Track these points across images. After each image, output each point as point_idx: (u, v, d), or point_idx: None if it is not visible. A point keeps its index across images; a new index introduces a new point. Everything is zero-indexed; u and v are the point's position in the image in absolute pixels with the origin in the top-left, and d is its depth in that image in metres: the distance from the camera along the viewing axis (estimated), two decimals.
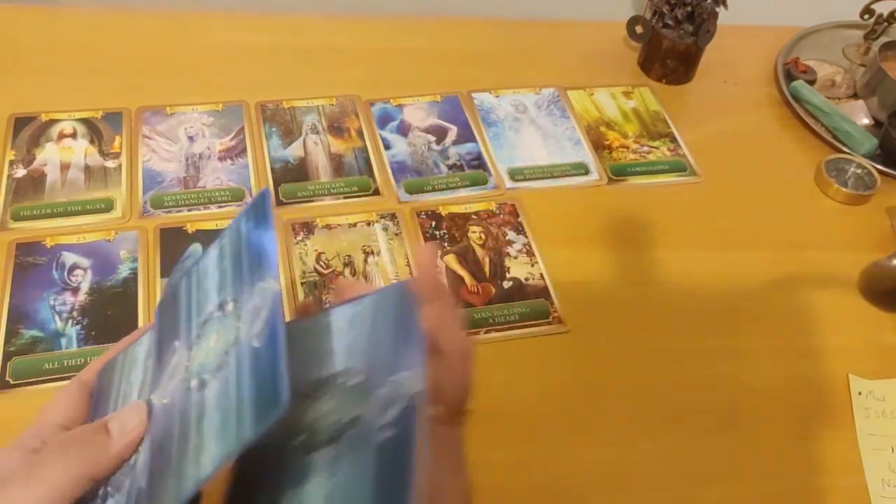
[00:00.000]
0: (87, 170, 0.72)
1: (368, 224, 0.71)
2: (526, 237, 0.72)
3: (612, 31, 0.94)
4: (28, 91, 0.78)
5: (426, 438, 0.30)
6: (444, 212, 0.73)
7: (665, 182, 0.79)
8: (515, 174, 0.77)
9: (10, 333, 0.60)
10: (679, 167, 0.81)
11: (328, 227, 0.70)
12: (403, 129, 0.80)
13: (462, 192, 0.75)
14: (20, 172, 0.71)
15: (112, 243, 0.66)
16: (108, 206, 0.69)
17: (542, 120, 0.84)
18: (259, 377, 0.31)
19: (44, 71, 0.81)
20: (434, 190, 0.75)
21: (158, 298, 0.63)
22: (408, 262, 0.68)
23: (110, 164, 0.73)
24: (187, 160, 0.74)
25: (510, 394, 0.61)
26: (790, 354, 0.67)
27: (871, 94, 0.89)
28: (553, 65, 0.91)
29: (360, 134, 0.79)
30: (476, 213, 0.73)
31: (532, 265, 0.70)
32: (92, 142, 0.74)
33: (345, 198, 0.73)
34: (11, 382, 0.57)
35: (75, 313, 0.61)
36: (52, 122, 0.76)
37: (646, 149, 0.82)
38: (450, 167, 0.77)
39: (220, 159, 0.75)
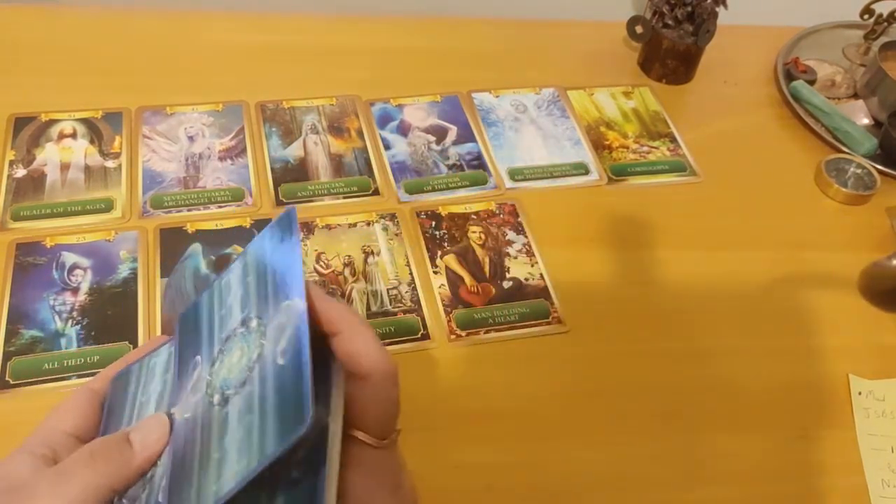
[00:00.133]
0: (87, 170, 0.72)
1: (368, 224, 0.71)
2: (526, 237, 0.72)
3: (612, 31, 0.94)
4: (28, 91, 0.78)
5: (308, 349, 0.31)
6: (443, 212, 0.73)
7: (665, 182, 0.79)
8: (515, 174, 0.77)
9: (10, 333, 0.60)
10: (679, 167, 0.81)
11: (328, 227, 0.70)
12: (403, 129, 0.80)
13: (462, 192, 0.75)
14: (20, 172, 0.71)
15: (112, 243, 0.66)
16: (108, 206, 0.69)
17: (542, 120, 0.84)
18: (283, 394, 0.31)
19: (44, 71, 0.81)
20: (434, 190, 0.75)
21: (160, 300, 0.63)
22: (407, 261, 0.68)
23: (110, 164, 0.73)
24: (187, 160, 0.74)
25: (510, 394, 0.61)
26: (790, 354, 0.67)
27: (871, 94, 0.89)
28: (553, 65, 0.91)
29: (360, 134, 0.79)
30: (476, 213, 0.73)
31: (532, 265, 0.70)
32: (92, 142, 0.74)
33: (345, 198, 0.73)
34: (11, 382, 0.57)
35: (75, 313, 0.61)
36: (52, 122, 0.76)
37: (646, 149, 0.82)
38: (450, 167, 0.77)
39: (220, 159, 0.75)
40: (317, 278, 0.66)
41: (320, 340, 0.34)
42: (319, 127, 0.79)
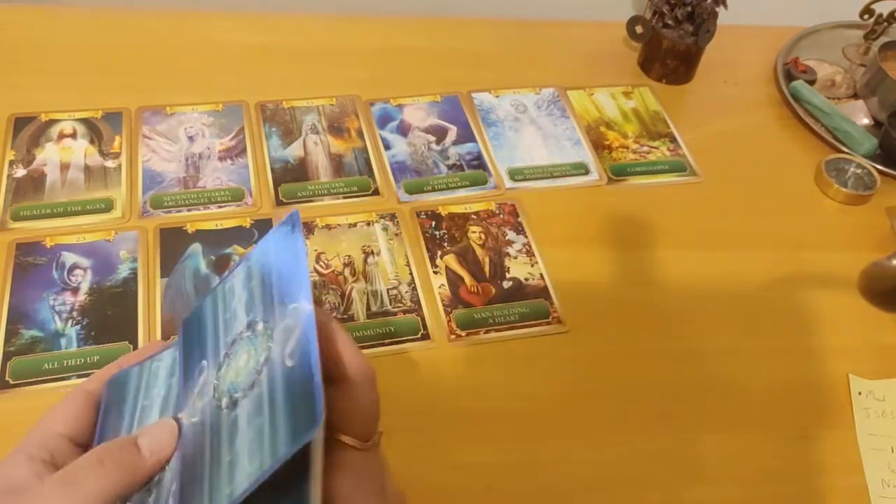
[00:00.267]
0: (87, 170, 0.72)
1: (368, 224, 0.71)
2: (526, 237, 0.72)
3: (612, 31, 0.94)
4: (28, 91, 0.78)
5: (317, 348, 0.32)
6: (443, 212, 0.73)
7: (665, 182, 0.80)
8: (515, 174, 0.77)
9: (10, 333, 0.60)
10: (679, 167, 0.81)
11: (328, 227, 0.70)
12: (403, 129, 0.80)
13: (462, 192, 0.75)
14: (20, 172, 0.71)
15: (112, 243, 0.66)
16: (107, 206, 0.69)
17: (542, 120, 0.84)
18: (293, 395, 0.32)
19: (44, 71, 0.81)
20: (434, 190, 0.75)
21: (160, 300, 0.63)
22: (407, 261, 0.68)
23: (110, 164, 0.73)
24: (187, 160, 0.74)
25: (510, 394, 0.61)
26: (790, 354, 0.67)
27: (871, 94, 0.89)
28: (553, 65, 0.91)
29: (360, 134, 0.79)
30: (476, 213, 0.73)
31: (532, 265, 0.70)
32: (92, 142, 0.74)
33: (345, 198, 0.73)
34: (11, 382, 0.57)
35: (75, 313, 0.61)
36: (52, 122, 0.76)
37: (646, 149, 0.82)
38: (450, 167, 0.77)
39: (220, 159, 0.75)
40: (317, 278, 0.66)
41: None
42: (319, 127, 0.79)
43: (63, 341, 0.60)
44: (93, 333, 0.60)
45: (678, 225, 0.75)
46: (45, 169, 0.72)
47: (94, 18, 0.87)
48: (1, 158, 0.72)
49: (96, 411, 0.39)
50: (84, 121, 0.76)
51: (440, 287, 0.67)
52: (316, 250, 0.68)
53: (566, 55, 0.93)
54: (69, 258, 0.65)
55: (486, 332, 0.64)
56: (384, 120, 0.81)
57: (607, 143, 0.82)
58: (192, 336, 0.39)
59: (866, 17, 0.98)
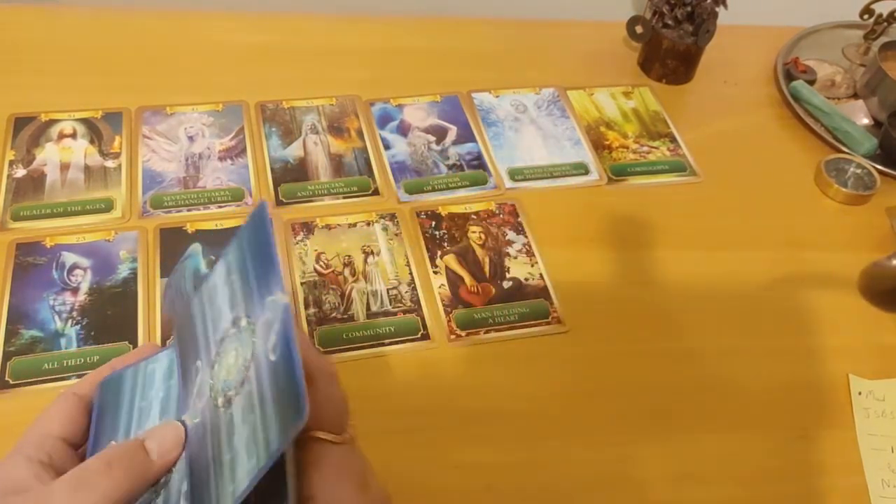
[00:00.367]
0: (87, 170, 0.72)
1: (368, 224, 0.71)
2: (526, 237, 0.72)
3: (612, 31, 0.94)
4: (28, 91, 0.78)
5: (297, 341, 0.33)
6: (443, 212, 0.73)
7: (665, 182, 0.79)
8: (515, 174, 0.77)
9: (10, 333, 0.60)
10: (679, 167, 0.81)
11: (328, 227, 0.70)
12: (403, 129, 0.80)
13: (462, 192, 0.75)
14: (20, 172, 0.71)
15: (112, 243, 0.66)
16: (107, 206, 0.69)
17: (542, 120, 0.84)
18: (279, 389, 0.32)
19: (44, 71, 0.81)
20: (434, 190, 0.75)
21: (160, 300, 0.63)
22: (407, 261, 0.68)
23: (110, 164, 0.73)
24: (187, 160, 0.74)
25: (510, 394, 0.61)
26: (790, 354, 0.67)
27: (871, 94, 0.89)
28: (553, 65, 0.91)
29: (360, 134, 0.79)
30: (476, 213, 0.73)
31: (532, 265, 0.70)
32: (92, 142, 0.74)
33: (345, 198, 0.73)
34: (11, 382, 0.57)
35: (75, 313, 0.61)
36: (52, 122, 0.76)
37: (646, 149, 0.82)
38: (450, 167, 0.77)
39: (220, 159, 0.75)
40: (317, 278, 0.66)
41: None
42: (319, 127, 0.79)
43: (63, 341, 0.60)
44: (93, 333, 0.60)
45: (678, 225, 0.75)
46: (45, 169, 0.72)
47: (94, 18, 0.87)
48: (1, 158, 0.72)
49: (89, 413, 0.40)
50: (84, 121, 0.76)
51: (440, 287, 0.67)
52: (316, 250, 0.68)
53: (566, 55, 0.93)
54: (69, 258, 0.65)
55: (486, 332, 0.64)
56: (384, 120, 0.81)
57: (607, 143, 0.82)
58: (185, 338, 0.39)
59: (866, 17, 0.98)
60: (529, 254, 0.70)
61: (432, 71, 0.87)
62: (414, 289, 0.66)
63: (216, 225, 0.69)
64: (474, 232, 0.71)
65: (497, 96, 0.85)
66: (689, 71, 0.91)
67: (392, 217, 0.71)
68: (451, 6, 0.96)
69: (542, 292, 0.68)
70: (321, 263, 0.67)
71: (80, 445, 0.39)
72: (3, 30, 0.84)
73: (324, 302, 0.64)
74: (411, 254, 0.69)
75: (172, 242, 0.67)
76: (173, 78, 0.82)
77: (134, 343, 0.60)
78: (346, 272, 0.67)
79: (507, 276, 0.69)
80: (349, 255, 0.68)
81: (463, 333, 0.64)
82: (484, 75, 0.87)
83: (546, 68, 0.90)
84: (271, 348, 0.33)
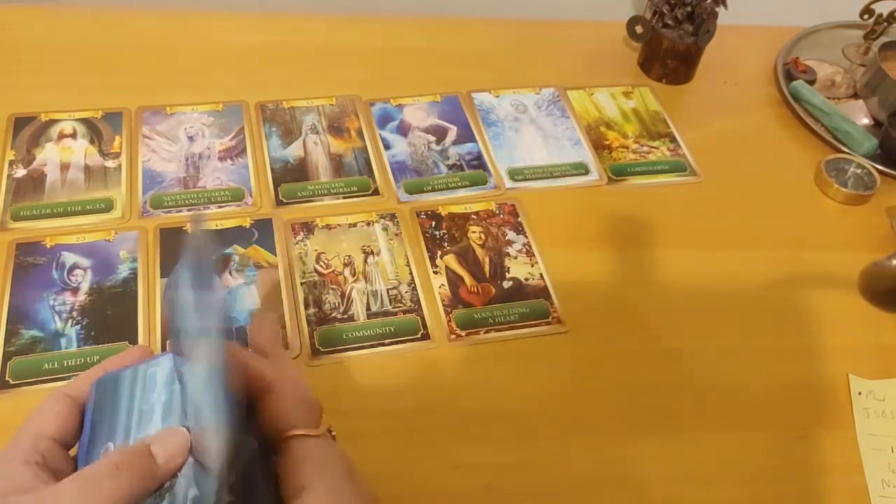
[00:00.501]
0: (87, 170, 0.72)
1: (368, 224, 0.71)
2: (526, 237, 0.72)
3: (612, 31, 0.94)
4: (28, 91, 0.78)
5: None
6: (443, 212, 0.73)
7: (665, 182, 0.80)
8: (515, 174, 0.77)
9: (10, 333, 0.60)
10: (679, 167, 0.81)
11: (328, 227, 0.70)
12: (403, 129, 0.80)
13: (462, 192, 0.75)
14: (20, 172, 0.71)
15: (112, 243, 0.66)
16: (107, 206, 0.69)
17: (542, 120, 0.84)
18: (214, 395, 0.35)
19: (44, 71, 0.81)
20: (434, 190, 0.75)
21: (160, 300, 0.63)
22: (407, 261, 0.68)
23: (110, 164, 0.73)
24: (187, 160, 0.74)
25: (510, 394, 0.61)
26: (790, 354, 0.67)
27: (871, 94, 0.89)
28: (553, 65, 0.91)
29: (360, 134, 0.79)
30: (476, 213, 0.73)
31: (532, 265, 0.70)
32: (92, 142, 0.74)
33: (345, 198, 0.73)
34: (11, 382, 0.57)
35: (75, 313, 0.61)
36: (52, 122, 0.76)
37: (646, 149, 0.82)
38: (450, 167, 0.77)
39: (220, 159, 0.75)
40: (317, 278, 0.66)
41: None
42: (319, 127, 0.79)
43: (63, 341, 0.60)
44: (93, 333, 0.60)
45: (678, 225, 0.75)
46: (45, 169, 0.72)
47: (94, 18, 0.87)
48: (1, 158, 0.72)
49: (80, 414, 0.40)
50: (84, 121, 0.76)
51: (440, 287, 0.67)
52: (316, 250, 0.68)
53: (566, 55, 0.93)
54: (69, 258, 0.65)
55: (486, 332, 0.64)
56: (384, 120, 0.81)
57: (607, 143, 0.82)
58: (103, 406, 0.40)
59: (866, 17, 0.98)
60: (529, 254, 0.70)
61: (432, 71, 0.87)
62: (414, 289, 0.66)
63: (216, 225, 0.69)
64: (474, 232, 0.71)
65: (497, 96, 0.85)
66: (689, 71, 0.91)
67: (392, 217, 0.71)
68: (451, 6, 0.96)
69: (542, 292, 0.68)
70: (321, 263, 0.67)
71: (72, 445, 0.39)
72: (3, 30, 0.84)
73: (324, 302, 0.64)
74: (411, 254, 0.69)
75: (172, 242, 0.67)
76: (173, 78, 0.82)
77: (134, 343, 0.60)
78: (347, 272, 0.67)
79: (507, 276, 0.69)
80: (349, 255, 0.68)
81: (463, 333, 0.64)
82: (484, 75, 0.87)
83: (546, 68, 0.90)
84: (191, 499, 0.35)
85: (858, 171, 0.81)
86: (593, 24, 0.97)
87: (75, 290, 0.63)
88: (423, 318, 0.64)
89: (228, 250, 0.67)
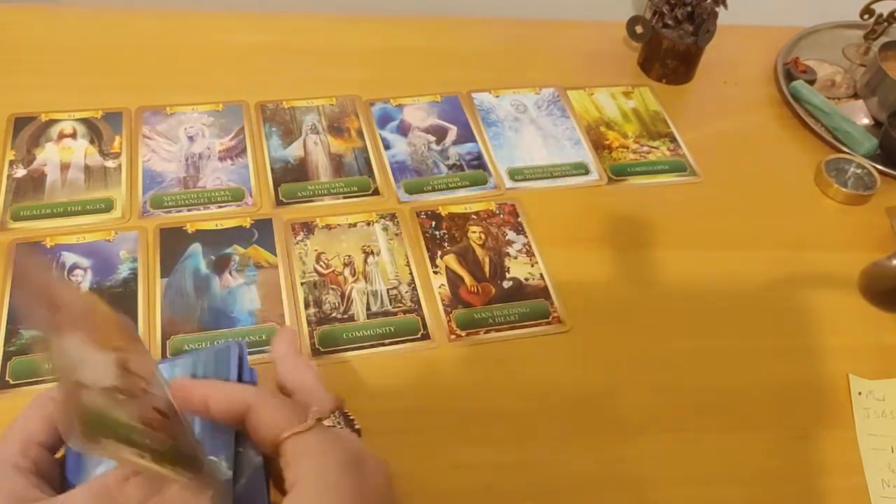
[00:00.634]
0: (87, 170, 0.72)
1: (368, 224, 0.71)
2: (526, 237, 0.72)
3: (612, 31, 0.94)
4: (28, 91, 0.78)
5: None
6: (443, 212, 0.73)
7: (665, 182, 0.79)
8: (515, 174, 0.77)
9: (10, 333, 0.60)
10: (679, 167, 0.81)
11: (328, 227, 0.70)
12: (403, 129, 0.80)
13: (462, 192, 0.75)
14: (20, 172, 0.71)
15: (112, 243, 0.66)
16: (108, 206, 0.69)
17: (542, 120, 0.84)
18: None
19: (44, 71, 0.81)
20: (434, 190, 0.75)
21: (160, 300, 0.63)
22: (407, 261, 0.68)
23: (110, 164, 0.73)
24: (187, 160, 0.74)
25: (510, 394, 0.61)
26: (790, 354, 0.67)
27: (871, 94, 0.89)
28: (553, 65, 0.91)
29: (360, 134, 0.79)
30: (476, 213, 0.73)
31: (532, 265, 0.70)
32: (92, 142, 0.74)
33: (345, 198, 0.73)
34: (11, 382, 0.57)
35: None
36: (52, 122, 0.76)
37: (646, 149, 0.82)
38: (450, 167, 0.77)
39: (220, 159, 0.75)
40: (317, 278, 0.66)
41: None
42: (319, 127, 0.79)
43: None
44: None
45: (678, 225, 0.75)
46: (45, 169, 0.72)
47: (94, 18, 0.87)
48: (1, 158, 0.72)
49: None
50: (84, 121, 0.76)
51: (440, 287, 0.67)
52: (316, 250, 0.68)
53: (566, 55, 0.93)
54: (69, 258, 0.65)
55: (486, 332, 0.64)
56: (384, 120, 0.81)
57: (607, 143, 0.82)
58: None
59: (866, 17, 0.97)
60: (529, 254, 0.70)
61: (432, 71, 0.87)
62: (414, 289, 0.66)
63: (216, 225, 0.69)
64: (474, 232, 0.71)
65: (497, 96, 0.85)
66: (689, 71, 0.91)
67: (392, 217, 0.71)
68: (451, 6, 0.96)
69: (542, 292, 0.68)
70: (321, 263, 0.67)
71: (59, 448, 0.39)
72: (3, 30, 0.84)
73: (324, 302, 0.64)
74: (411, 254, 0.69)
75: (172, 242, 0.67)
76: (173, 78, 0.82)
77: None
78: (347, 272, 0.67)
79: (507, 276, 0.69)
80: (349, 255, 0.68)
81: (463, 333, 0.64)
82: (484, 75, 0.87)
83: (546, 68, 0.90)
84: None
85: (858, 171, 0.81)
86: (593, 24, 0.97)
87: None
88: (423, 318, 0.64)
89: (228, 250, 0.67)
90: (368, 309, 0.65)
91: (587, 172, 0.79)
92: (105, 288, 0.63)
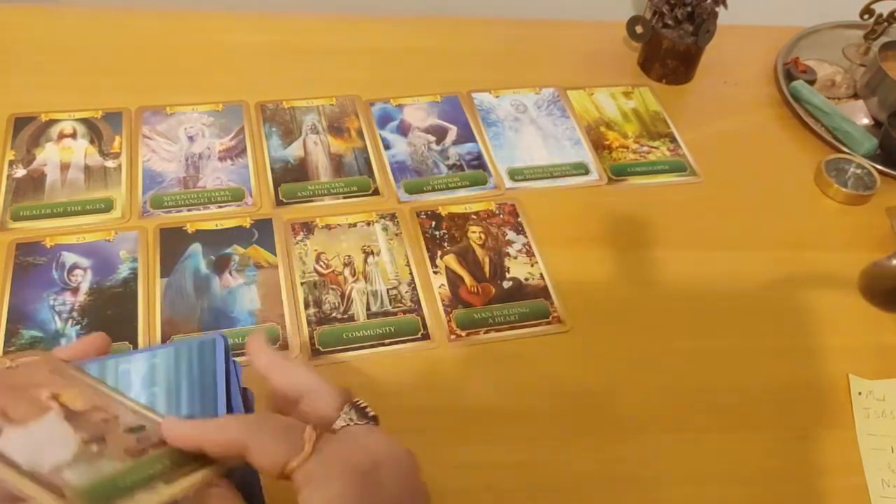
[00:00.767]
0: (87, 170, 0.72)
1: (368, 224, 0.71)
2: (526, 237, 0.72)
3: (612, 31, 0.94)
4: (28, 91, 0.78)
5: None
6: (443, 212, 0.73)
7: (665, 182, 0.79)
8: (515, 174, 0.77)
9: (10, 333, 0.60)
10: (679, 167, 0.81)
11: (328, 227, 0.70)
12: (403, 129, 0.80)
13: (462, 192, 0.75)
14: (20, 172, 0.71)
15: (112, 243, 0.66)
16: (107, 206, 0.69)
17: (542, 120, 0.84)
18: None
19: (44, 71, 0.81)
20: (434, 190, 0.75)
21: (160, 300, 0.63)
22: (407, 261, 0.68)
23: (110, 164, 0.73)
24: (187, 160, 0.74)
25: (510, 394, 0.61)
26: (790, 354, 0.67)
27: (871, 94, 0.89)
28: (553, 65, 0.91)
29: (360, 134, 0.79)
30: (476, 213, 0.73)
31: (532, 265, 0.69)
32: (92, 142, 0.74)
33: (345, 198, 0.73)
34: None
35: (75, 313, 0.61)
36: (52, 122, 0.76)
37: (646, 149, 0.82)
38: (450, 167, 0.77)
39: (220, 159, 0.75)
40: (317, 278, 0.66)
41: None
42: (319, 127, 0.79)
43: (63, 341, 0.60)
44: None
45: (678, 225, 0.75)
46: (45, 169, 0.72)
47: (94, 18, 0.87)
48: (1, 158, 0.72)
49: None
50: (84, 121, 0.76)
51: (440, 287, 0.67)
52: (316, 250, 0.68)
53: (566, 55, 0.93)
54: (69, 258, 0.65)
55: (486, 332, 0.64)
56: (384, 120, 0.81)
57: (607, 143, 0.82)
58: None
59: (866, 17, 0.98)
60: (529, 254, 0.70)
61: (432, 71, 0.87)
62: (414, 289, 0.66)
63: (216, 225, 0.69)
64: (474, 232, 0.71)
65: (497, 96, 0.85)
66: (689, 71, 0.91)
67: (392, 217, 0.71)
68: (451, 6, 0.96)
69: (542, 292, 0.68)
70: (321, 263, 0.67)
71: None
72: (3, 30, 0.84)
73: (324, 302, 0.64)
74: (411, 254, 0.69)
75: (172, 242, 0.67)
76: (173, 78, 0.82)
77: (134, 343, 0.60)
78: (347, 272, 0.67)
79: (507, 276, 0.69)
80: (349, 255, 0.68)
81: (463, 333, 0.64)
82: (484, 75, 0.87)
83: (546, 68, 0.90)
84: None
85: (858, 171, 0.81)
86: (593, 24, 0.97)
87: (75, 290, 0.63)
88: (423, 318, 0.64)
89: (228, 250, 0.67)
90: (368, 309, 0.65)
91: (587, 172, 0.79)
92: (105, 288, 0.63)
